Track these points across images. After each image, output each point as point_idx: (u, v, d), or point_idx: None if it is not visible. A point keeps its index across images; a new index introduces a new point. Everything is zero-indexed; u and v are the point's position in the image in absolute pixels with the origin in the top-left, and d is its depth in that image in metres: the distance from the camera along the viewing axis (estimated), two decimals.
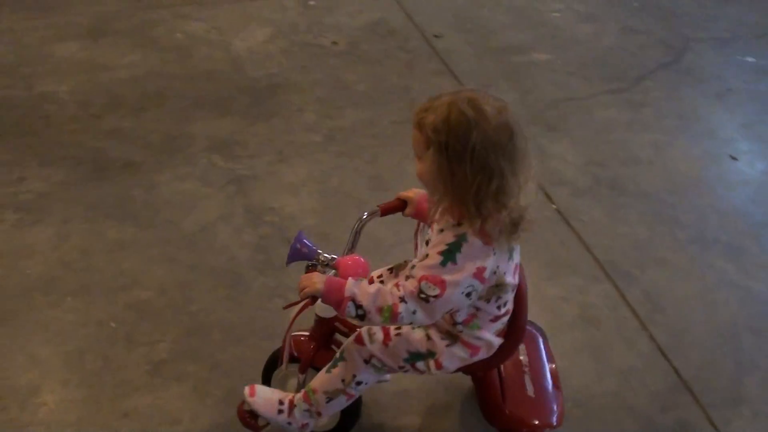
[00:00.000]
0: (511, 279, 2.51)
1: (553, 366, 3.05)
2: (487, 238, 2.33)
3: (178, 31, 6.09)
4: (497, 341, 2.66)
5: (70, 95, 5.29)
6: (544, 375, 2.99)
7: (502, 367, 2.96)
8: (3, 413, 3.21)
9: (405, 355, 2.69)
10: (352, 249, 2.78)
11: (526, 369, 2.98)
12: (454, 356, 2.65)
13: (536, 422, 2.84)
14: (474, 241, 2.33)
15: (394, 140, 4.90)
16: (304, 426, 2.93)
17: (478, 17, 6.51)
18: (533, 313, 3.67)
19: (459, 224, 2.35)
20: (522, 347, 3.04)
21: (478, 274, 2.35)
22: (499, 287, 2.48)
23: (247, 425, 2.97)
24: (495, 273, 2.41)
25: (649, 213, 4.43)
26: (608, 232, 4.26)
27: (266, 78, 5.53)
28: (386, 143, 4.87)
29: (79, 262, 3.94)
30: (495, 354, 2.72)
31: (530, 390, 2.92)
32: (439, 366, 2.67)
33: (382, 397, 3.35)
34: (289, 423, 2.91)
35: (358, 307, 2.41)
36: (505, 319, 2.65)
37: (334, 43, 6.03)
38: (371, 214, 2.81)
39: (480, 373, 2.90)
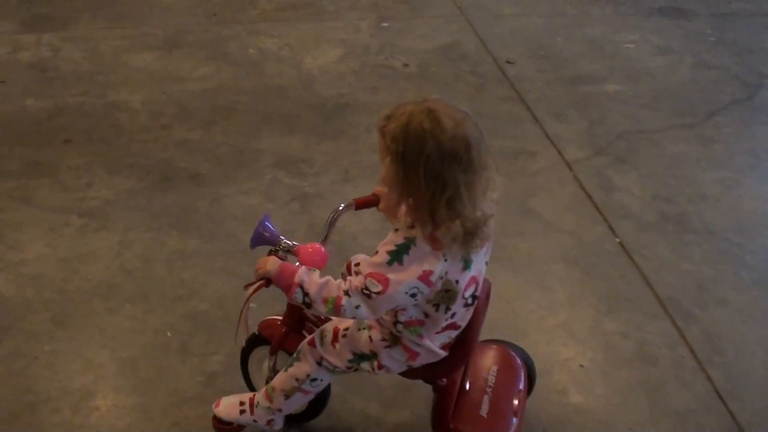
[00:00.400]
0: (463, 290, 2.51)
1: (522, 395, 3.04)
2: (437, 244, 2.37)
3: (251, 47, 6.15)
4: (441, 353, 2.68)
5: (142, 105, 5.36)
6: (507, 400, 3.00)
7: (467, 382, 3.00)
8: (56, 415, 3.25)
9: (350, 356, 2.77)
10: (325, 240, 2.82)
11: (489, 390, 3.01)
12: (392, 359, 2.70)
13: None
14: (423, 246, 2.37)
15: None
16: (270, 422, 3.04)
17: (551, 45, 6.49)
18: (590, 347, 3.67)
19: (412, 227, 2.40)
20: (494, 368, 3.09)
21: (424, 277, 2.39)
22: (448, 294, 2.49)
23: None
24: (442, 278, 2.43)
25: (714, 251, 4.35)
26: (671, 269, 4.19)
27: (335, 97, 5.55)
28: None
29: (139, 270, 3.98)
30: (440, 365, 2.74)
31: (485, 410, 2.95)
32: (380, 367, 2.74)
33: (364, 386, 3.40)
34: (255, 421, 3.04)
35: (305, 294, 2.49)
36: (453, 333, 2.66)
37: (405, 65, 6.04)
38: (347, 207, 2.86)
39: (429, 380, 2.90)
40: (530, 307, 3.89)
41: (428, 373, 2.81)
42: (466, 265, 2.48)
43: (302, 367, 2.87)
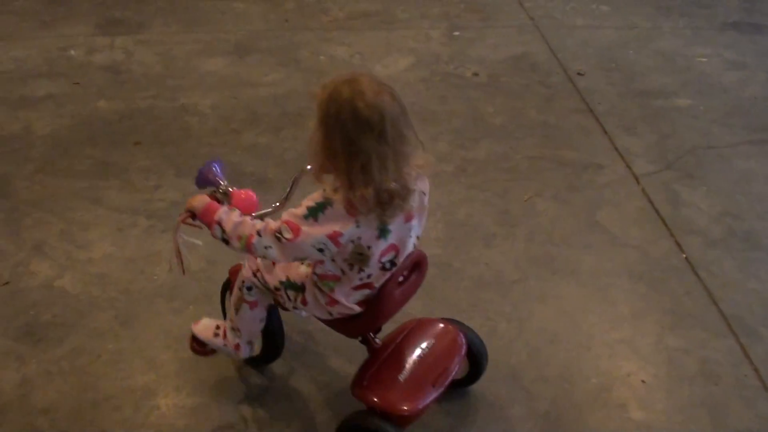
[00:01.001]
0: (377, 255, 2.72)
1: (450, 370, 3.12)
2: (352, 209, 2.57)
3: (322, 54, 6.19)
4: (354, 308, 2.89)
5: (212, 109, 5.42)
6: (430, 372, 3.09)
7: (401, 347, 3.17)
8: (117, 413, 3.30)
9: (282, 279, 3.01)
10: (286, 198, 3.04)
11: (417, 359, 3.12)
12: (315, 299, 2.91)
13: (379, 400, 2.99)
14: (338, 208, 2.57)
15: (527, 175, 4.87)
16: (237, 347, 3.28)
17: (622, 58, 6.43)
18: (653, 362, 3.62)
19: (335, 190, 2.59)
20: (431, 341, 3.19)
21: (333, 237, 2.58)
22: (361, 257, 2.71)
23: (197, 353, 3.40)
24: (353, 242, 2.65)
25: None
26: (737, 287, 4.12)
27: (405, 105, 5.53)
28: (518, 178, 4.84)
29: (204, 272, 4.01)
30: (357, 322, 2.96)
31: (403, 376, 3.06)
32: (304, 302, 2.96)
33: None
34: (225, 345, 3.29)
35: (223, 231, 2.73)
36: (367, 291, 2.86)
37: (475, 74, 6.03)
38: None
39: (364, 342, 3.16)
40: (593, 320, 3.85)
41: (349, 327, 3.03)
42: (382, 233, 2.69)
43: (241, 276, 3.16)
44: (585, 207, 4.62)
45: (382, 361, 3.12)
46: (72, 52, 6.10)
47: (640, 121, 5.55)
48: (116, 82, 5.72)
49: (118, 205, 4.47)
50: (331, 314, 2.94)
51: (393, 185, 2.53)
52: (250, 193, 2.95)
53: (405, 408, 2.96)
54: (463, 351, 3.20)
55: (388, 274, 2.83)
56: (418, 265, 2.97)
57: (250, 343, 3.29)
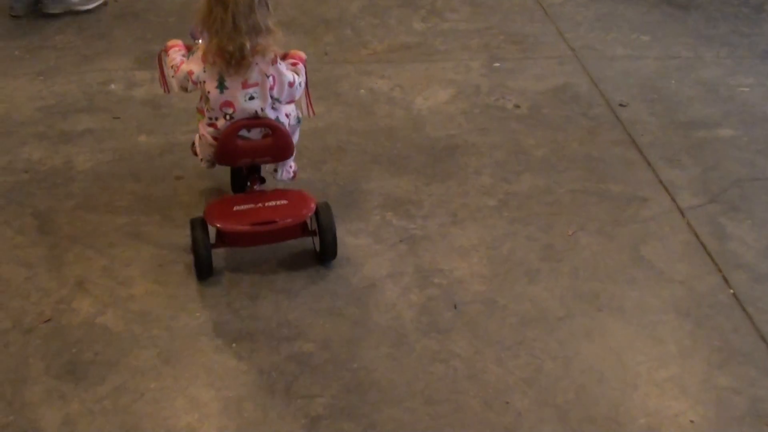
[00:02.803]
0: (218, 103, 3.95)
1: (276, 223, 4.06)
2: (204, 57, 3.86)
3: (362, 87, 6.16)
4: (210, 140, 4.09)
5: None
6: (257, 215, 4.06)
7: (260, 195, 4.22)
8: None
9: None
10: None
11: (260, 205, 4.11)
12: (198, 140, 4.29)
13: (204, 212, 4.12)
14: (198, 55, 3.92)
15: (570, 209, 4.82)
16: (202, 160, 4.37)
17: (664, 88, 6.36)
18: (702, 402, 3.57)
19: (206, 45, 3.85)
20: (284, 201, 4.15)
21: (190, 74, 3.95)
22: (207, 97, 3.97)
23: (193, 153, 4.54)
24: (199, 82, 3.94)
25: None
26: None
27: (445, 138, 5.52)
28: (562, 211, 4.80)
29: (246, 309, 4.00)
30: (214, 154, 4.13)
31: (238, 209, 4.08)
32: (201, 136, 4.21)
33: None
34: (197, 155, 4.44)
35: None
36: (214, 131, 4.06)
37: (516, 106, 5.99)
38: None
39: (237, 189, 4.58)
40: (640, 358, 3.80)
41: (215, 159, 4.17)
42: (220, 86, 3.89)
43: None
44: (629, 241, 4.57)
45: (239, 197, 4.26)
46: (112, 87, 6.10)
47: (684, 153, 5.48)
48: (157, 116, 5.70)
49: (159, 240, 4.46)
50: (203, 143, 4.17)
51: (231, 48, 3.71)
52: None
53: (211, 221, 4.03)
54: (301, 218, 4.13)
55: (228, 123, 3.95)
56: (273, 132, 4.03)
57: (209, 161, 4.28)
